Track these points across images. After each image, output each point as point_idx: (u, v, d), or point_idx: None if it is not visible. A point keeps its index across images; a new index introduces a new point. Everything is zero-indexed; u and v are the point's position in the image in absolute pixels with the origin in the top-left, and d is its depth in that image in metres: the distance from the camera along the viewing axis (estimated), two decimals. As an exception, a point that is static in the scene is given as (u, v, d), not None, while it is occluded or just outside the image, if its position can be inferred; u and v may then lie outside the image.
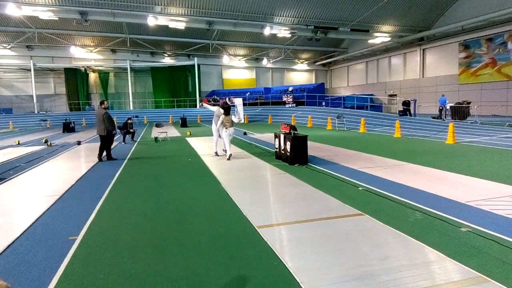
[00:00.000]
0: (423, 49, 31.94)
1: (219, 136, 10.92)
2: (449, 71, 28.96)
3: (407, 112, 22.47)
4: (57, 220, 5.18)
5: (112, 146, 14.16)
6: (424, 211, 5.12)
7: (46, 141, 15.74)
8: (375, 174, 7.72)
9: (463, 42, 27.45)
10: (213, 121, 11.30)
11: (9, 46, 34.74)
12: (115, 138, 11.65)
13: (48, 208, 5.78)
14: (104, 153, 10.96)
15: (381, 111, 29.80)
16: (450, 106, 20.60)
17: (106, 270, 3.54)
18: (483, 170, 7.94)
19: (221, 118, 10.44)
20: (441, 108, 20.76)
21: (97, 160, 10.75)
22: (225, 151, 10.77)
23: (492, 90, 24.79)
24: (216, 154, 11.19)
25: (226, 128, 10.40)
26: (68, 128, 23.25)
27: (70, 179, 8.07)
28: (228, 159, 10.21)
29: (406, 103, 22.87)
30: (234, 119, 11.02)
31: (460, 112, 19.47)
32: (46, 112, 36.03)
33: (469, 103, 20.83)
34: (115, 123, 11.00)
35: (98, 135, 10.96)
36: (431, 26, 30.24)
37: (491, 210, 5.05)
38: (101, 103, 11.09)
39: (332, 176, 7.71)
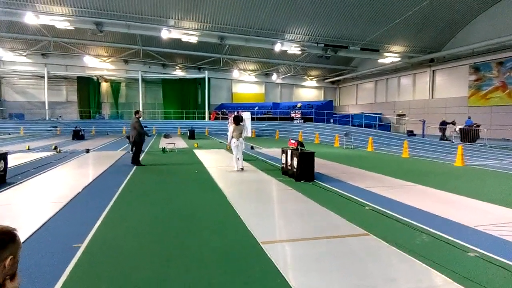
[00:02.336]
0: (433, 70, 31.95)
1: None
2: (459, 93, 28.87)
3: (443, 137, 21.21)
4: (62, 227, 5.20)
5: (120, 155, 14.32)
6: (431, 233, 5.04)
7: (55, 148, 15.91)
8: (382, 194, 7.65)
9: (474, 64, 27.42)
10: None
11: (25, 53, 35.56)
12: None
13: (54, 215, 5.81)
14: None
15: (390, 131, 29.68)
16: (460, 129, 20.49)
17: (109, 279, 3.53)
18: (492, 194, 7.82)
19: (231, 130, 10.49)
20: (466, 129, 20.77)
21: (104, 168, 10.86)
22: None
23: (502, 114, 24.60)
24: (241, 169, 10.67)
25: (236, 138, 10.43)
26: (78, 135, 23.50)
27: (77, 186, 8.12)
28: (242, 168, 10.54)
29: (444, 123, 21.74)
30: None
31: (469, 135, 19.33)
32: (57, 118, 36.55)
33: (478, 126, 20.70)
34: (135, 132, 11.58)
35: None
36: (441, 48, 30.33)
37: (500, 235, 4.95)
38: (136, 112, 11.98)
39: (339, 194, 7.66)
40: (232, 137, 10.43)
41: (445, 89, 30.76)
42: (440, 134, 22.03)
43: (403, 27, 27.53)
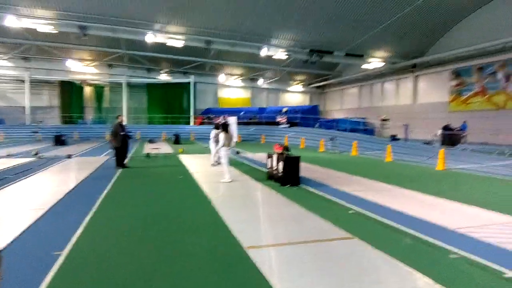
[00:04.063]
0: (416, 76, 32.59)
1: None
2: (440, 98, 29.50)
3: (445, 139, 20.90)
4: (43, 234, 5.08)
5: (103, 161, 14.14)
6: (414, 236, 5.11)
7: (36, 153, 15.56)
8: (366, 198, 7.73)
9: (455, 70, 28.10)
10: (212, 142, 12.57)
11: (7, 57, 34.73)
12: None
13: (34, 222, 5.67)
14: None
15: (374, 135, 30.07)
16: (441, 133, 20.94)
17: (90, 286, 3.45)
18: (472, 197, 7.99)
19: (223, 138, 9.79)
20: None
21: (86, 174, 10.69)
22: (214, 164, 11.77)
23: (482, 118, 25.22)
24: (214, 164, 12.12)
25: (227, 146, 9.90)
26: (59, 141, 23.03)
27: (58, 192, 7.94)
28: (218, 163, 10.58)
29: (447, 128, 21.57)
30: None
31: (450, 139, 19.75)
32: (38, 124, 35.76)
33: (459, 130, 21.21)
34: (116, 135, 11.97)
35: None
36: (424, 53, 30.98)
37: (480, 237, 5.06)
38: (117, 117, 12.53)
39: (324, 198, 7.70)
40: (223, 145, 10.02)
41: (427, 94, 31.41)
42: (432, 139, 22.45)
43: (386, 33, 28.01)
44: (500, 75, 24.42)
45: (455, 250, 4.54)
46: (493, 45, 23.53)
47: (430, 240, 4.93)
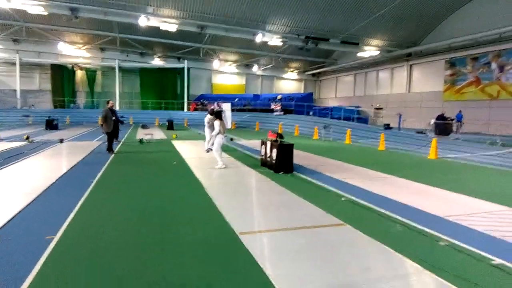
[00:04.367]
0: (410, 65, 32.59)
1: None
2: (434, 87, 29.58)
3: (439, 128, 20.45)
4: (35, 219, 5.05)
5: (96, 146, 14.06)
6: (405, 223, 5.18)
7: (27, 138, 15.38)
8: (359, 185, 7.79)
9: (449, 59, 28.12)
10: (206, 127, 12.48)
11: (-4, 39, 33.98)
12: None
13: (26, 206, 5.63)
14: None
15: (367, 124, 30.17)
16: (434, 122, 21.06)
17: (83, 271, 3.46)
18: (463, 185, 8.10)
19: (218, 125, 9.64)
20: (457, 123, 21.60)
21: (78, 159, 10.63)
22: (208, 151, 11.86)
23: (475, 108, 25.39)
24: (208, 150, 11.99)
25: (223, 134, 9.79)
26: (51, 125, 22.78)
27: (50, 177, 7.88)
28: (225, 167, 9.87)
29: (442, 118, 21.21)
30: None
31: (443, 129, 19.88)
32: (29, 107, 35.26)
33: (452, 119, 21.34)
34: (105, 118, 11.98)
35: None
36: (418, 42, 30.93)
37: (469, 225, 5.15)
38: (107, 102, 12.45)
39: (316, 186, 7.75)
40: (219, 132, 9.92)
41: (421, 83, 31.47)
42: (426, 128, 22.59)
43: (382, 21, 27.86)
44: (494, 66, 24.51)
45: (445, 237, 4.61)
46: (488, 35, 23.52)
47: (420, 227, 5.01)
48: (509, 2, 22.93)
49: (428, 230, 4.90)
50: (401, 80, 33.66)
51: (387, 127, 23.16)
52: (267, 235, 4.63)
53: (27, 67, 36.81)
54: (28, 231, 4.55)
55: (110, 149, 12.23)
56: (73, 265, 3.59)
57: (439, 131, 19.97)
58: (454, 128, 21.07)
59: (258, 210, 5.84)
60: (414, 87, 32.34)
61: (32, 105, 36.59)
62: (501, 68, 24.00)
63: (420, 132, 21.11)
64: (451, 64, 27.95)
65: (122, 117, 12.84)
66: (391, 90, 34.85)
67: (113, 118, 12.04)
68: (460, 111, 23.28)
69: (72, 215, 5.22)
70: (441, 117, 21.29)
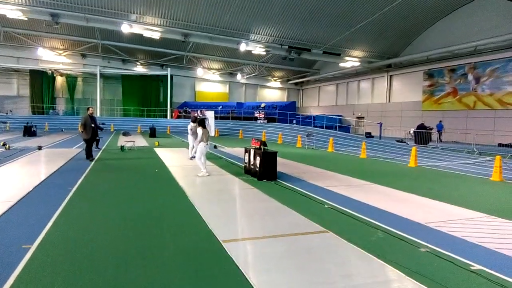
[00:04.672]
0: (390, 75, 33.40)
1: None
2: (413, 98, 30.36)
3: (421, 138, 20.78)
4: (10, 227, 4.88)
5: (75, 153, 13.77)
6: (386, 230, 5.25)
7: (4, 144, 14.94)
8: (341, 193, 7.87)
9: (428, 71, 28.96)
10: (189, 135, 12.72)
11: (-29, 43, 33.02)
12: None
13: (1, 214, 5.44)
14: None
15: (349, 132, 30.63)
16: (414, 131, 21.58)
17: (62, 282, 3.35)
18: (442, 193, 8.28)
19: (201, 133, 9.53)
20: (438, 132, 22.69)
21: (57, 167, 10.38)
22: (191, 158, 12.09)
23: (453, 118, 26.18)
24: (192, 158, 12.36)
25: (206, 142, 9.67)
26: (29, 131, 22.22)
27: (27, 185, 7.65)
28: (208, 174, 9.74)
29: (422, 127, 21.65)
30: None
31: (422, 138, 20.39)
32: (7, 113, 34.28)
33: (431, 129, 21.94)
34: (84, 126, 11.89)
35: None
36: (398, 54, 31.77)
37: (448, 231, 5.26)
38: (87, 109, 12.37)
39: (300, 193, 7.78)
40: (202, 140, 9.83)
41: (401, 93, 32.26)
42: (405, 137, 23.10)
43: (363, 33, 28.52)
44: (470, 77, 25.37)
45: (425, 243, 4.69)
46: (463, 48, 24.40)
47: (401, 234, 5.08)
48: (484, 16, 23.88)
49: (408, 236, 4.98)
50: (381, 90, 34.41)
51: (368, 135, 23.60)
52: (251, 242, 4.61)
53: (5, 73, 35.94)
54: (4, 239, 4.39)
55: (89, 156, 12.06)
56: (50, 275, 3.47)
57: (419, 140, 20.47)
58: (435, 137, 21.72)
59: (242, 217, 5.81)
60: (394, 97, 33.11)
61: (10, 111, 35.61)
62: (477, 80, 24.87)
63: (400, 140, 21.57)
64: (430, 75, 28.79)
65: (103, 124, 12.67)
66: (372, 100, 35.57)
67: (92, 125, 11.89)
68: (440, 121, 24.04)
69: (50, 224, 5.07)
70: (421, 127, 21.82)
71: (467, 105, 25.65)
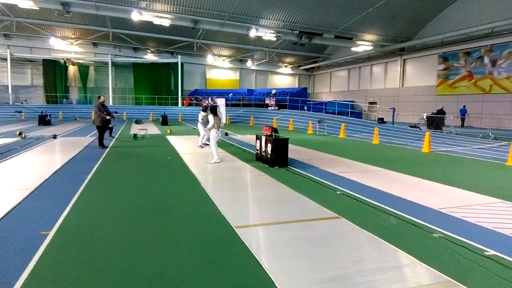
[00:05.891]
0: (404, 59, 32.71)
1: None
2: (427, 82, 29.75)
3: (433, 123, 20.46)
4: (29, 215, 5.02)
5: (89, 142, 13.98)
6: (398, 216, 5.24)
7: (20, 133, 15.24)
8: (353, 179, 7.85)
9: (442, 54, 28.26)
10: (200, 123, 12.85)
11: (-15, 34, 33.49)
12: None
13: (20, 202, 5.60)
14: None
15: (361, 118, 30.30)
16: (427, 116, 21.23)
17: (79, 267, 3.45)
18: (456, 178, 8.19)
19: (212, 120, 9.55)
20: (462, 117, 22.99)
21: (72, 155, 10.58)
22: (202, 146, 12.42)
23: (468, 102, 25.61)
24: (202, 146, 12.62)
25: (217, 129, 9.69)
26: (44, 121, 22.59)
27: (44, 173, 7.84)
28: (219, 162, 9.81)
29: (441, 112, 21.58)
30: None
31: (436, 122, 20.06)
32: (22, 103, 34.88)
33: (445, 113, 21.54)
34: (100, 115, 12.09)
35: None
36: (412, 37, 31.03)
37: (462, 217, 5.21)
38: (98, 97, 12.46)
39: (311, 179, 7.78)
40: (213, 126, 9.83)
41: (414, 78, 31.63)
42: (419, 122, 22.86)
43: (376, 16, 27.88)
44: (486, 60, 24.68)
45: (438, 229, 4.67)
46: (480, 30, 23.68)
47: (414, 219, 5.06)
48: (501, -4, 23.07)
49: (421, 222, 4.95)
50: (394, 74, 33.78)
51: (380, 121, 23.32)
52: (263, 228, 4.65)
53: (18, 63, 36.41)
54: (22, 227, 4.53)
55: (101, 144, 12.29)
56: (68, 261, 3.58)
57: (432, 125, 20.14)
58: (459, 122, 21.60)
59: (254, 204, 5.86)
60: (407, 82, 32.50)
61: (25, 100, 36.22)
62: (493, 63, 24.18)
63: (414, 126, 21.27)
64: (444, 58, 28.10)
65: (115, 112, 12.84)
66: (385, 85, 34.98)
67: (104, 113, 12.06)
68: (464, 106, 23.71)
69: (67, 210, 5.20)
70: (440, 111, 21.54)
71: (482, 89, 25.02)
